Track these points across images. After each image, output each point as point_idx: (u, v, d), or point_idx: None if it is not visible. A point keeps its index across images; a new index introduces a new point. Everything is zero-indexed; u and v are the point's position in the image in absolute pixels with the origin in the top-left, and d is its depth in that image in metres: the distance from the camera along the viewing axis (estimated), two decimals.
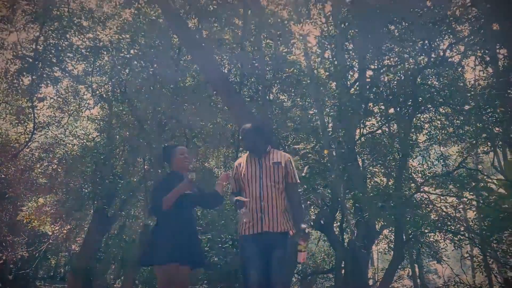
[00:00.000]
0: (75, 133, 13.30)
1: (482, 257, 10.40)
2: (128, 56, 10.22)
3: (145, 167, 11.89)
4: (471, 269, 14.68)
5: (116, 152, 12.80)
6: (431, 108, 10.82)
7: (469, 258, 10.20)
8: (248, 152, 3.87)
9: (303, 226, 3.50)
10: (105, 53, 10.10)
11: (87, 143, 12.80)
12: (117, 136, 13.01)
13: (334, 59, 11.38)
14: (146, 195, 12.12)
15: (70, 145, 12.86)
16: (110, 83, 11.02)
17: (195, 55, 7.33)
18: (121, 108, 12.25)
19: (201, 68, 8.12)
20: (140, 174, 12.71)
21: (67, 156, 12.32)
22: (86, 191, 12.63)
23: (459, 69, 11.45)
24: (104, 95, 11.34)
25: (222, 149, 13.68)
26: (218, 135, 12.15)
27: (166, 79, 10.63)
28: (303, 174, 8.41)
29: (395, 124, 11.12)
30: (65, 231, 13.78)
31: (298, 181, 3.85)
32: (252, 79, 9.26)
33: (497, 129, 10.49)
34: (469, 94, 10.58)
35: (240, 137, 3.95)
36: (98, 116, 12.98)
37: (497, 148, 11.64)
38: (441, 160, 11.36)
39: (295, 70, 9.08)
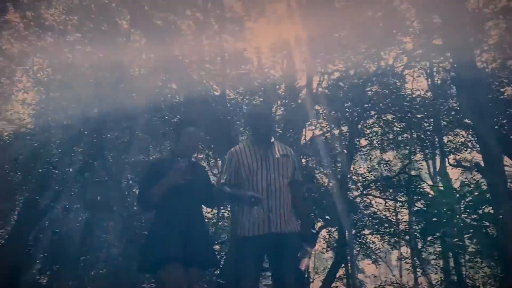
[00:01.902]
0: (5, 117, 12.31)
1: (413, 258, 10.94)
2: (72, 39, 9.62)
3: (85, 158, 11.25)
4: (403, 270, 15.48)
5: (53, 140, 12.01)
6: (374, 115, 11.27)
7: (402, 259, 10.71)
8: (251, 139, 3.40)
9: (311, 230, 3.23)
10: (49, 33, 9.43)
11: (21, 124, 11.90)
12: (52, 124, 12.24)
13: (286, 61, 11.51)
14: (84, 187, 11.48)
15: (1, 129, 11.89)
16: (51, 67, 10.31)
17: (152, 41, 7.02)
18: (60, 94, 11.51)
19: (157, 56, 7.80)
20: (78, 164, 12.03)
21: None
22: (15, 180, 11.74)
23: (402, 79, 12.04)
24: (45, 79, 10.59)
25: (166, 144, 13.32)
26: (163, 128, 11.80)
27: (113, 66, 10.15)
28: None
29: (342, 128, 11.41)
30: None
31: (301, 178, 3.51)
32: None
33: (435, 137, 11.15)
34: (409, 104, 11.14)
35: (252, 120, 3.43)
36: (34, 101, 12.11)
37: (434, 156, 12.32)
38: (382, 165, 11.87)
39: (252, 68, 9.03)
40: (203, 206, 3.55)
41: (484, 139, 5.76)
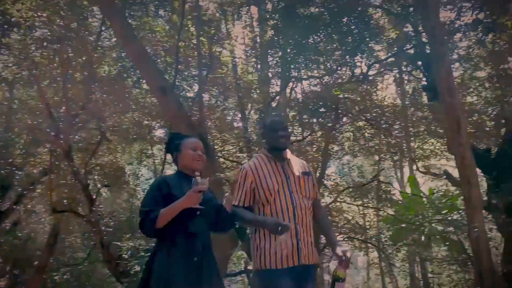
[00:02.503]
0: None
1: (382, 263, 11.09)
2: (41, 37, 9.25)
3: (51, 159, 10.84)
4: (372, 275, 15.71)
5: (16, 140, 11.55)
6: (347, 121, 11.37)
7: (372, 264, 10.84)
8: (267, 153, 2.95)
9: (344, 249, 2.71)
10: (15, 30, 9.01)
11: None
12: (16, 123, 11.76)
13: (259, 66, 11.46)
14: (49, 189, 11.03)
15: None
16: (17, 64, 9.88)
17: (128, 44, 6.81)
18: (25, 92, 11.10)
19: (133, 59, 7.59)
20: (42, 166, 11.60)
21: None
22: None
23: (374, 86, 12.22)
24: (10, 77, 10.14)
25: (136, 145, 13.05)
26: (133, 129, 11.54)
27: (82, 65, 9.85)
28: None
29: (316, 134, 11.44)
30: None
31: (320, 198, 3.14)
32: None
33: (404, 145, 11.35)
34: (380, 111, 11.30)
35: (279, 132, 2.92)
36: None
37: (404, 163, 12.54)
38: (354, 171, 11.99)
39: (228, 71, 8.92)
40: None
41: (456, 146, 5.84)
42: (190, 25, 7.99)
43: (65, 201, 10.71)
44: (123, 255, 8.29)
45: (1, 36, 9.11)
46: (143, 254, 8.11)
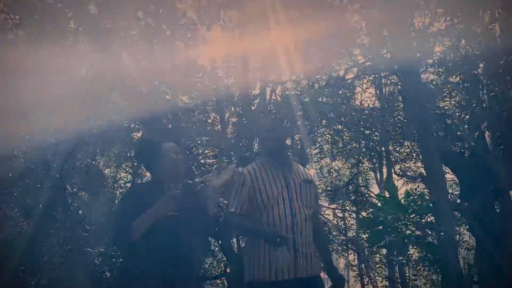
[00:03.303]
0: None
1: (360, 265, 11.21)
2: (14, 39, 9.10)
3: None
4: (350, 277, 15.85)
5: None
6: (325, 124, 11.48)
7: (350, 266, 10.97)
8: (266, 158, 2.83)
9: (339, 272, 2.66)
10: None
11: None
12: None
13: (239, 69, 11.48)
14: (21, 193, 10.86)
15: None
16: None
17: (95, 45, 6.77)
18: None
19: (101, 60, 7.55)
20: (19, 170, 11.42)
21: None
22: None
23: (352, 90, 12.36)
24: None
25: (113, 148, 12.92)
26: (110, 132, 11.43)
27: (57, 69, 9.72)
28: None
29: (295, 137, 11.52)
30: None
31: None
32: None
33: (381, 148, 11.52)
34: (358, 114, 11.43)
35: (263, 136, 2.84)
36: None
37: (381, 166, 12.70)
38: (331, 174, 12.11)
39: (204, 76, 8.93)
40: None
41: (426, 150, 5.97)
42: (165, 28, 7.97)
43: (40, 205, 10.53)
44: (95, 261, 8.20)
45: None
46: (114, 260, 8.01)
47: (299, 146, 10.60)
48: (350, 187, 10.65)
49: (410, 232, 8.54)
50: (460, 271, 5.28)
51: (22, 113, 9.98)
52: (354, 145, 11.87)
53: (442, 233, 5.31)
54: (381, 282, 10.60)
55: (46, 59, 9.36)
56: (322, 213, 10.70)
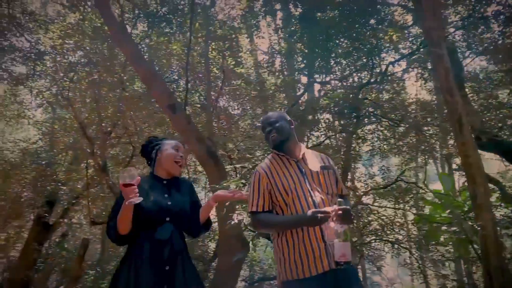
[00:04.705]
0: (14, 138, 12.70)
1: (418, 264, 10.86)
2: (72, 60, 9.91)
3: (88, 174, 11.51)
4: (406, 276, 15.38)
5: (59, 157, 12.35)
6: (373, 121, 11.24)
7: (405, 265, 10.67)
8: (275, 152, 2.71)
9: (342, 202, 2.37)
10: (47, 57, 9.75)
11: (28, 145, 12.23)
12: (61, 140, 12.56)
13: (285, 71, 11.59)
14: (88, 202, 11.69)
15: (7, 151, 12.27)
16: (53, 87, 10.64)
17: (138, 67, 7.23)
18: (64, 113, 11.86)
19: (143, 81, 8.03)
20: (84, 181, 12.33)
21: (3, 162, 11.76)
22: (25, 198, 12.09)
23: (400, 84, 12.02)
24: (49, 99, 10.93)
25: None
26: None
27: (111, 85, 10.42)
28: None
29: (339, 136, 11.42)
30: (2, 238, 13.15)
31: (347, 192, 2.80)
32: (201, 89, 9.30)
33: (434, 142, 11.07)
34: (408, 108, 11.08)
35: (266, 129, 2.72)
36: (40, 121, 12.49)
37: (436, 160, 12.22)
38: (383, 171, 11.82)
39: (242, 83, 9.15)
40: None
41: (461, 148, 5.70)
42: (200, 42, 8.30)
43: (103, 213, 11.31)
44: None
45: (35, 63, 9.86)
46: None
47: (344, 144, 10.46)
48: (403, 184, 10.32)
49: (467, 228, 8.18)
50: (504, 268, 5.02)
51: (80, 129, 10.80)
52: (406, 141, 11.54)
53: (479, 229, 5.08)
54: (436, 280, 10.21)
55: (102, 76, 10.06)
56: (377, 211, 10.50)
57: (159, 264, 2.44)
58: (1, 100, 11.64)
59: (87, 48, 9.58)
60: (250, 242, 7.59)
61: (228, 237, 5.97)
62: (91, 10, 9.21)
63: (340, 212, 2.29)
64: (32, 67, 10.19)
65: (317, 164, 2.64)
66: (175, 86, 9.60)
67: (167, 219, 2.56)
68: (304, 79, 11.60)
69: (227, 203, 4.65)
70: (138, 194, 2.37)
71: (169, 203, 2.61)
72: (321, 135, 10.72)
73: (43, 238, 12.48)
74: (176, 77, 9.22)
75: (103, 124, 10.87)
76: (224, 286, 5.89)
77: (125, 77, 10.51)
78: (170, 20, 9.69)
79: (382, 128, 11.58)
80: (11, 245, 13.84)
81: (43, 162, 11.86)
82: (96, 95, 10.16)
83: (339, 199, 2.38)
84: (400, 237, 10.24)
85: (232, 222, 4.42)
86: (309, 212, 2.36)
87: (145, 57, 9.21)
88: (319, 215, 2.30)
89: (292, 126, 2.75)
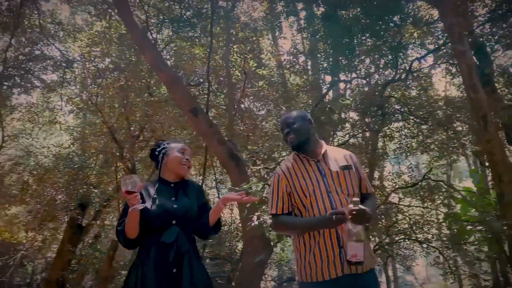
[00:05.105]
0: (47, 144, 13.17)
1: (448, 264, 10.64)
2: (100, 67, 10.21)
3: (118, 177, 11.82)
4: (436, 276, 15.04)
5: (90, 161, 12.72)
6: (399, 119, 11.08)
7: (435, 264, 10.45)
8: (295, 153, 2.64)
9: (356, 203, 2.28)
10: (76, 65, 10.11)
11: (60, 149, 12.64)
12: (92, 144, 12.92)
13: (309, 71, 11.58)
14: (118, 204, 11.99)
15: (42, 156, 12.73)
16: (82, 94, 10.99)
17: (160, 72, 7.38)
18: (94, 118, 12.20)
19: (165, 85, 8.18)
20: (114, 183, 12.65)
21: (38, 167, 12.21)
22: (59, 201, 12.51)
23: (428, 80, 11.80)
24: (78, 105, 11.30)
25: (199, 158, 13.71)
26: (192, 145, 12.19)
27: (138, 90, 10.66)
28: None
29: (364, 135, 11.31)
30: (39, 240, 13.64)
31: (372, 190, 2.70)
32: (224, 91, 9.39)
33: (464, 139, 10.82)
34: (436, 104, 10.86)
35: (284, 131, 2.67)
36: (72, 126, 12.90)
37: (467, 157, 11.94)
38: (411, 169, 11.62)
39: (263, 85, 9.20)
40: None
41: (485, 146, 5.55)
42: (222, 45, 8.40)
43: None
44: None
45: (65, 70, 10.22)
46: None
47: (370, 142, 10.36)
48: (431, 182, 10.12)
49: (496, 227, 7.98)
50: None
51: (109, 133, 11.10)
52: (435, 138, 11.33)
53: (505, 227, 4.96)
54: (468, 280, 9.97)
55: (130, 82, 10.32)
56: (403, 210, 10.35)
57: (165, 267, 2.46)
58: (35, 107, 12.06)
59: (114, 54, 9.84)
60: (278, 242, 7.62)
61: (251, 238, 6.05)
62: (116, 18, 9.46)
63: (353, 212, 2.23)
64: (62, 74, 10.55)
65: (338, 163, 2.55)
66: (200, 90, 9.74)
67: (173, 222, 2.57)
68: (328, 78, 11.54)
69: (247, 205, 4.71)
70: (140, 201, 2.41)
71: (175, 206, 2.62)
72: (346, 134, 10.64)
73: (77, 240, 12.89)
74: (201, 80, 9.35)
75: (131, 128, 11.16)
76: (249, 286, 5.96)
77: (151, 82, 10.77)
78: (194, 24, 9.86)
79: (409, 126, 11.41)
80: (47, 246, 14.34)
81: (75, 166, 12.26)
82: (123, 100, 10.43)
83: (354, 199, 2.29)
84: (430, 236, 10.04)
85: (252, 224, 4.47)
86: (327, 214, 2.33)
87: (171, 61, 9.40)
88: (334, 216, 2.26)
89: (312, 125, 2.68)
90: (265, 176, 7.27)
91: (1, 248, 15.48)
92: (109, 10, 9.52)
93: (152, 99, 9.35)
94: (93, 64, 10.11)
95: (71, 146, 13.06)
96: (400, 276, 19.08)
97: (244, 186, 4.73)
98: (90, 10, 10.23)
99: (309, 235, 2.45)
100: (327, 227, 2.37)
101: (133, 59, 10.22)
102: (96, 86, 9.94)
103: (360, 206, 2.26)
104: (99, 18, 9.54)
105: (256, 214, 4.40)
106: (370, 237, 10.06)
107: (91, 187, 12.71)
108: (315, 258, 2.40)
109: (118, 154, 11.06)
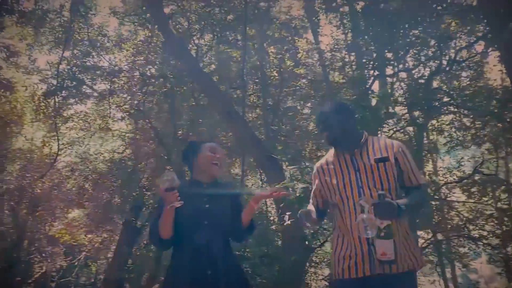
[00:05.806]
0: (100, 150, 13.85)
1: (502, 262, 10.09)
2: (145, 74, 10.62)
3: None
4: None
5: (141, 165, 13.23)
6: (447, 111, 10.63)
7: (494, 262, 9.95)
8: (333, 147, 2.53)
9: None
10: (122, 74, 10.59)
11: (114, 155, 13.24)
12: (143, 149, 13.42)
13: (353, 65, 11.36)
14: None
15: (96, 162, 13.40)
16: (132, 101, 11.48)
17: (195, 79, 7.59)
18: (143, 124, 12.70)
19: (202, 92, 8.38)
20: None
21: (93, 172, 12.86)
22: (114, 204, 13.11)
23: (478, 69, 11.23)
24: (129, 112, 11.81)
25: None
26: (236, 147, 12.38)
27: (183, 96, 10.97)
28: None
29: (410, 128, 10.96)
30: (99, 241, 14.37)
31: (423, 181, 2.51)
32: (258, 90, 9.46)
33: None
34: (488, 94, 10.30)
35: (319, 127, 2.57)
36: (124, 132, 13.48)
37: None
38: (462, 163, 11.11)
39: (300, 83, 9.18)
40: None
41: None
42: (257, 47, 8.48)
43: None
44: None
45: (112, 79, 10.74)
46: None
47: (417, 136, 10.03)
48: (483, 176, 9.63)
49: None
50: None
51: (156, 138, 11.50)
52: (487, 130, 10.78)
53: None
54: None
55: (173, 88, 10.67)
56: (453, 206, 9.94)
57: (199, 269, 2.43)
58: (88, 116, 12.73)
59: (157, 62, 10.21)
60: (324, 242, 7.53)
61: (289, 237, 6.08)
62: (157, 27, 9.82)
63: (373, 206, 2.08)
64: (110, 83, 11.10)
65: (373, 155, 2.38)
66: (238, 92, 9.89)
67: (206, 222, 2.53)
68: (371, 73, 11.26)
69: (281, 204, 4.72)
70: (179, 198, 2.36)
71: (207, 206, 2.57)
72: (392, 127, 10.38)
73: (133, 241, 13.45)
74: (238, 82, 9.52)
75: (179, 133, 11.51)
76: (289, 285, 5.98)
77: (195, 86, 11.06)
78: (234, 27, 10.01)
79: (459, 118, 10.94)
80: (105, 247, 15.07)
81: (129, 170, 12.81)
82: (169, 105, 10.79)
83: (380, 192, 2.12)
84: (485, 233, 9.57)
85: (285, 224, 4.49)
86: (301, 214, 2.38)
87: (210, 67, 9.59)
88: (300, 218, 2.26)
89: (350, 117, 2.51)
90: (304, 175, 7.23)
91: (65, 250, 16.48)
92: (152, 20, 9.89)
93: (195, 103, 9.60)
94: (139, 71, 10.54)
95: (124, 151, 13.66)
96: (461, 275, 18.28)
97: (277, 186, 4.76)
98: (134, 20, 10.68)
99: (341, 230, 2.38)
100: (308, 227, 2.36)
101: (178, 65, 10.54)
102: (141, 94, 10.35)
103: (386, 199, 2.08)
104: (142, 28, 9.95)
105: (287, 213, 4.41)
106: (418, 235, 9.73)
107: (144, 189, 13.21)
108: (344, 255, 2.31)
109: (166, 157, 11.44)
